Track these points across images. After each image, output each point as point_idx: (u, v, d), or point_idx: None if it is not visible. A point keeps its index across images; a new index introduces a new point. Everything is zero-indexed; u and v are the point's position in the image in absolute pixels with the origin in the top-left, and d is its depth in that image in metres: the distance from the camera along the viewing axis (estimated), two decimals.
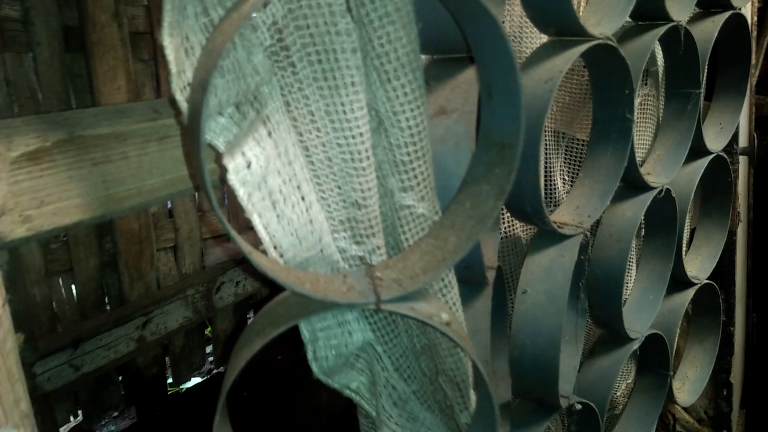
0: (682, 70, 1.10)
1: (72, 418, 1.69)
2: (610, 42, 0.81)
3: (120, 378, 1.78)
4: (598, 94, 0.94)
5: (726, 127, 1.32)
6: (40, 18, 1.34)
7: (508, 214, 1.02)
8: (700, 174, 1.18)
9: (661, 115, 1.18)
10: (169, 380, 1.99)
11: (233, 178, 0.47)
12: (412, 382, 0.63)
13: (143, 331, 1.61)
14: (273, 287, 0.54)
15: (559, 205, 1.04)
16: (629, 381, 1.30)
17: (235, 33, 0.40)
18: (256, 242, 0.52)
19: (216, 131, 0.48)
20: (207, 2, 0.44)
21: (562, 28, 0.79)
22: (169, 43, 0.41)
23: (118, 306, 1.71)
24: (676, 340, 1.32)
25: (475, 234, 0.53)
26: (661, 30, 0.94)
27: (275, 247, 0.51)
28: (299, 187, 0.51)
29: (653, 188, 1.04)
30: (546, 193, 1.10)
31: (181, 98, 0.45)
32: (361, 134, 0.50)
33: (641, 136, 1.17)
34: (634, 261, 1.23)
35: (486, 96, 0.56)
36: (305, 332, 0.58)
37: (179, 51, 0.43)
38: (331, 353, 0.59)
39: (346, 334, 0.59)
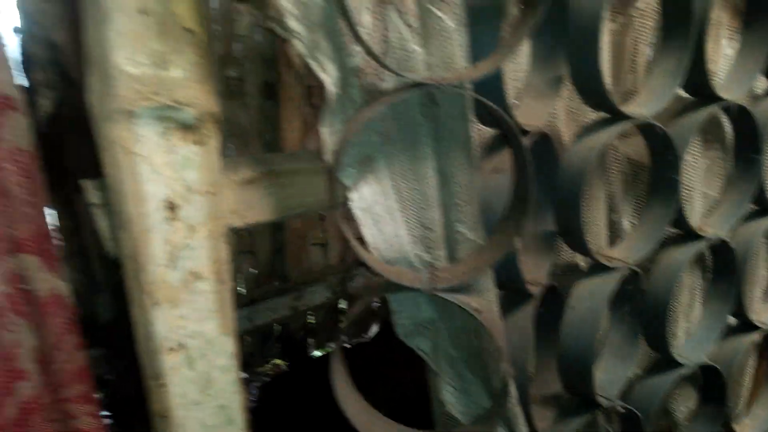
0: (743, 137, 1.29)
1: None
2: (648, 121, 1.05)
3: (278, 337, 2.39)
4: (649, 156, 1.17)
5: None
6: (250, 77, 1.88)
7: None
8: (763, 229, 1.34)
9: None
10: (312, 349, 2.55)
11: (353, 204, 0.81)
12: (461, 351, 0.93)
13: (297, 302, 2.17)
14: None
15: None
16: (690, 406, 1.46)
17: (359, 127, 0.74)
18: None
19: (346, 174, 0.83)
20: (347, 109, 0.79)
21: (606, 110, 1.05)
22: (326, 131, 0.77)
23: (281, 281, 2.31)
24: (745, 379, 1.46)
25: (500, 253, 0.82)
26: (706, 110, 1.15)
27: (375, 249, 0.84)
28: (391, 213, 0.84)
29: (705, 238, 1.24)
30: (616, 232, 1.32)
31: (329, 157, 0.80)
32: (431, 186, 0.82)
33: (710, 193, 1.35)
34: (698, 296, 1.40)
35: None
36: (393, 305, 0.90)
37: (332, 135, 0.77)
38: (408, 321, 0.91)
39: (418, 310, 0.91)
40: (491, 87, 0.85)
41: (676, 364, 1.28)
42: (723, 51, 1.29)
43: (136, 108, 0.71)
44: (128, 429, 1.33)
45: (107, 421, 1.27)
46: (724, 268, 1.35)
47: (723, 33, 1.28)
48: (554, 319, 1.16)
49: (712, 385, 1.40)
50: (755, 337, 1.43)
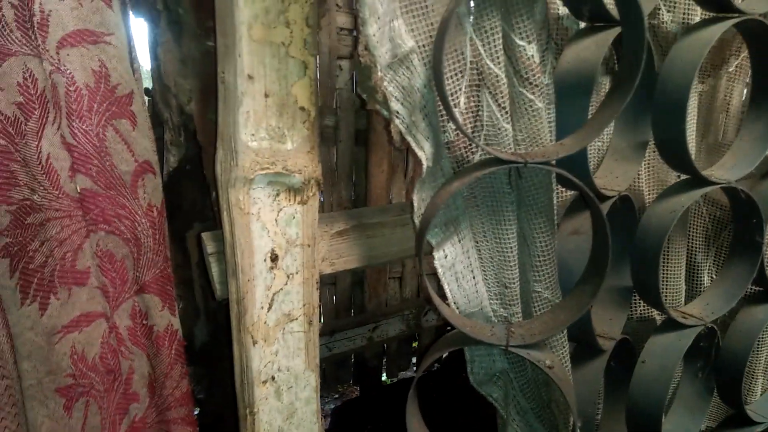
0: None
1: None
2: (732, 185, 1.06)
3: (352, 363, 2.42)
4: (733, 216, 1.18)
5: None
6: (343, 124, 2.00)
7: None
8: None
9: None
10: (383, 375, 2.58)
11: (436, 262, 0.88)
12: (531, 401, 0.98)
13: (373, 333, 2.21)
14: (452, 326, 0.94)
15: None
16: None
17: (447, 197, 0.81)
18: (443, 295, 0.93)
19: (431, 235, 0.90)
20: (438, 178, 0.86)
21: (689, 173, 1.07)
22: (417, 198, 0.84)
23: (359, 313, 2.39)
24: None
25: (576, 315, 0.87)
26: None
27: (454, 303, 0.91)
28: (472, 271, 0.90)
29: None
30: (694, 286, 1.33)
31: (417, 221, 0.88)
32: (511, 247, 0.88)
33: None
34: None
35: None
36: (468, 355, 0.97)
37: (422, 201, 0.85)
38: (482, 371, 0.97)
39: (492, 362, 0.97)
40: (575, 159, 0.90)
41: (751, 422, 1.28)
42: None
43: (254, 176, 0.82)
44: None
45: None
46: None
47: None
48: (624, 371, 1.19)
49: None
50: None
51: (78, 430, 0.83)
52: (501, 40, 0.80)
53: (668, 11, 1.06)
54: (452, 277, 0.90)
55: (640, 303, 1.24)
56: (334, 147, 2.07)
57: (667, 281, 1.22)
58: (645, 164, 1.15)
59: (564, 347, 0.94)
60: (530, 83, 0.82)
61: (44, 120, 0.75)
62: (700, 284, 1.32)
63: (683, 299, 1.25)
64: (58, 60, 0.75)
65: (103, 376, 0.84)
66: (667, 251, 1.21)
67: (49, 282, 0.78)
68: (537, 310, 0.92)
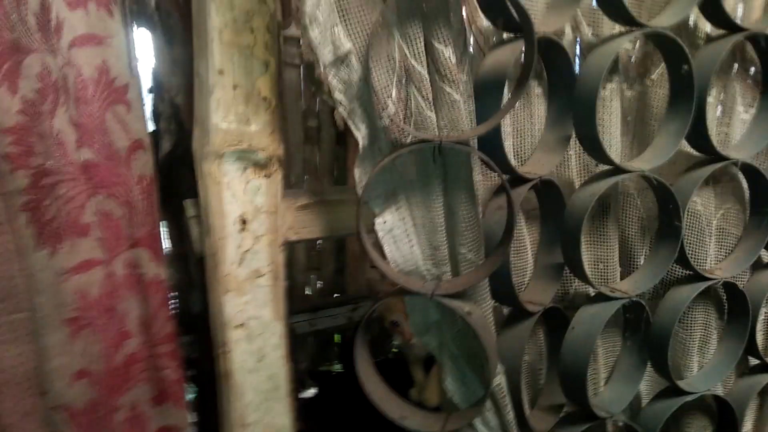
0: (756, 193, 1.42)
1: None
2: (645, 174, 1.22)
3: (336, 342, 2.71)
4: (657, 204, 1.33)
5: None
6: (325, 126, 2.28)
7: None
8: None
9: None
10: None
11: (377, 227, 1.06)
12: (461, 348, 1.15)
13: (353, 313, 2.43)
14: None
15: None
16: None
17: (382, 170, 0.99)
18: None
19: (374, 204, 1.08)
20: (376, 156, 1.04)
21: (607, 163, 1.23)
22: (358, 172, 1.03)
23: (341, 295, 2.65)
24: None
25: (489, 271, 1.04)
26: (711, 167, 1.30)
27: (393, 262, 1.09)
28: (408, 235, 1.08)
29: (711, 279, 1.37)
30: (633, 269, 1.47)
31: (360, 191, 1.05)
32: (439, 215, 1.06)
33: (725, 241, 1.48)
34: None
35: None
36: (408, 309, 1.14)
37: (363, 176, 1.03)
38: (420, 322, 1.14)
39: (427, 314, 1.14)
40: (492, 143, 1.08)
41: (682, 392, 1.41)
42: (740, 117, 1.43)
43: (224, 151, 1.01)
44: (208, 399, 1.63)
45: (192, 392, 1.57)
46: (736, 309, 1.47)
47: (739, 101, 1.42)
48: (560, 339, 1.34)
49: (723, 416, 1.51)
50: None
51: (81, 354, 1.02)
52: (423, 45, 0.99)
53: (588, 26, 1.24)
54: (391, 240, 1.07)
55: (575, 280, 1.40)
56: (316, 146, 2.29)
57: (603, 261, 1.38)
58: (575, 156, 1.32)
59: (486, 302, 1.11)
60: (448, 79, 1.00)
61: (56, 103, 0.95)
62: (637, 268, 1.47)
63: (618, 279, 1.40)
64: (69, 57, 0.95)
65: (102, 313, 1.03)
66: (599, 234, 1.36)
67: (58, 232, 0.98)
68: (463, 270, 1.10)
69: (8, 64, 0.90)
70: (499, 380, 1.12)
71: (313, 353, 2.56)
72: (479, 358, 1.13)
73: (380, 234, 1.07)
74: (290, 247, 2.51)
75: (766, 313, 1.59)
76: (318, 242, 2.51)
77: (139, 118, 1.04)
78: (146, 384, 1.11)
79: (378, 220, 1.06)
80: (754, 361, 1.58)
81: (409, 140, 1.03)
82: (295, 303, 2.45)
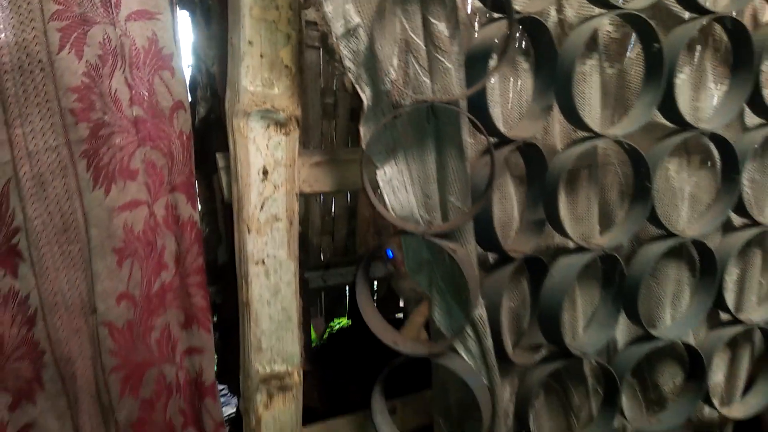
0: (726, 160, 1.57)
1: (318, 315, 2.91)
2: (619, 139, 1.39)
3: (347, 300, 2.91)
4: (631, 167, 1.49)
5: None
6: (341, 102, 2.44)
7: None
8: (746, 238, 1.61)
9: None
10: None
11: (379, 178, 1.24)
12: (448, 285, 1.32)
13: None
14: None
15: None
16: (677, 381, 1.72)
17: (383, 128, 1.17)
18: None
19: (377, 159, 1.25)
20: (379, 117, 1.22)
21: (584, 130, 1.40)
22: (363, 130, 1.21)
23: (351, 255, 2.94)
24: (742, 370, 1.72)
25: (473, 214, 1.22)
26: (681, 136, 1.46)
27: (392, 209, 1.27)
28: (405, 186, 1.26)
29: (681, 237, 1.53)
30: (609, 224, 1.63)
31: (365, 146, 1.24)
32: (431, 168, 1.24)
33: (697, 206, 1.64)
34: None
35: None
36: (404, 249, 1.32)
37: (368, 133, 1.21)
38: (413, 261, 1.32)
39: (420, 254, 1.32)
40: (479, 108, 1.25)
41: (652, 337, 1.58)
42: (710, 92, 1.59)
43: (251, 111, 1.20)
44: (229, 343, 1.83)
45: (216, 335, 1.75)
46: (706, 267, 1.63)
47: (709, 77, 1.58)
48: (541, 286, 1.51)
49: (694, 365, 1.67)
50: (737, 330, 1.68)
51: (125, 280, 1.22)
52: (421, 20, 1.17)
53: (570, 7, 1.41)
54: (390, 190, 1.25)
55: (556, 236, 1.57)
56: (333, 121, 2.50)
57: (583, 219, 1.54)
58: (559, 125, 1.49)
59: (471, 243, 1.28)
60: (442, 50, 1.18)
61: (114, 67, 1.15)
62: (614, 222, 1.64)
63: (594, 234, 1.57)
64: (126, 28, 1.15)
65: (144, 246, 1.23)
66: (581, 197, 1.53)
67: (111, 176, 1.17)
68: (451, 216, 1.27)
69: (76, 33, 1.10)
70: (480, 312, 1.30)
71: (326, 307, 2.81)
72: (464, 294, 1.31)
73: (381, 184, 1.25)
74: (307, 213, 2.74)
75: (738, 273, 1.75)
76: (332, 211, 2.76)
77: (181, 83, 1.23)
78: (177, 309, 1.30)
79: (379, 172, 1.24)
80: (726, 317, 1.74)
81: (407, 102, 1.21)
82: (311, 260, 2.69)
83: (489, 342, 1.33)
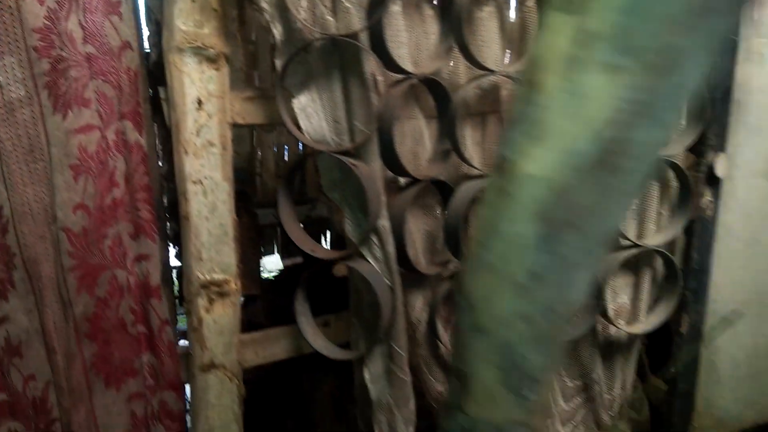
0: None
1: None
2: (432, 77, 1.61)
3: None
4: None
5: None
6: None
7: None
8: None
9: None
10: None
11: (294, 106, 1.47)
12: (355, 199, 1.54)
13: (311, 212, 2.91)
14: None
15: None
16: None
17: (294, 60, 1.40)
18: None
19: (294, 90, 1.48)
20: (291, 51, 1.45)
21: (479, 68, 1.62)
22: (278, 63, 1.44)
23: (304, 197, 3.17)
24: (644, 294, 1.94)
25: (370, 138, 1.44)
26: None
27: (307, 134, 1.49)
28: (317, 112, 1.49)
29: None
30: None
31: (280, 76, 1.46)
32: (338, 95, 1.46)
33: None
34: None
35: None
36: (321, 169, 1.55)
37: (281, 65, 1.44)
38: (328, 178, 1.55)
39: (332, 173, 1.54)
40: (380, 45, 1.48)
41: None
42: None
43: (184, 47, 1.43)
44: None
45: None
46: None
47: None
48: None
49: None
50: (634, 251, 1.89)
51: (81, 193, 1.45)
52: None
53: None
54: (304, 116, 1.48)
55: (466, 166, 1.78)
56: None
57: (488, 152, 1.77)
58: (463, 65, 1.71)
59: (375, 162, 1.50)
60: None
61: (70, 11, 1.38)
62: None
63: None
64: None
65: (97, 164, 1.46)
66: (486, 131, 1.75)
67: (68, 103, 1.41)
68: (358, 139, 1.50)
69: None
70: (384, 222, 1.52)
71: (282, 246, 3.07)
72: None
73: (296, 111, 1.47)
74: (264, 159, 2.99)
75: (637, 204, 1.96)
76: (284, 157, 3.03)
77: (129, 26, 1.47)
78: (127, 222, 1.53)
79: (295, 101, 1.47)
80: (626, 243, 1.94)
81: (315, 37, 1.43)
82: (266, 200, 2.93)
83: (391, 249, 1.55)
